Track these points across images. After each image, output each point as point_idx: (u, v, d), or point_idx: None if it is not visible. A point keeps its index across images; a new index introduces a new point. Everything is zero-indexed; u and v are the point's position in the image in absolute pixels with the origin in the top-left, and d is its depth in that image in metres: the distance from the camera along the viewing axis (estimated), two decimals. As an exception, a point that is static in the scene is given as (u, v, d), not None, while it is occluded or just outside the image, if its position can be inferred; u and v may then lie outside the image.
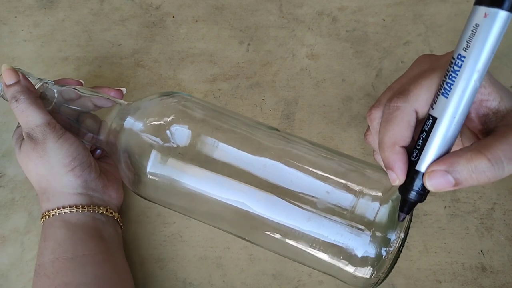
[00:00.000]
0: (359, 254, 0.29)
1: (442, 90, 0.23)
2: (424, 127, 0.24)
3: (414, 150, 0.25)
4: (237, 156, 0.32)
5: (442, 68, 0.24)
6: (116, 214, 0.38)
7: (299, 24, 0.50)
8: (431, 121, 0.24)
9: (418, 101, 0.24)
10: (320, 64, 0.48)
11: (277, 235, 0.32)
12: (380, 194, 0.30)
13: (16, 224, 0.42)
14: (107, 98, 0.37)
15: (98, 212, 0.36)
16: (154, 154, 0.33)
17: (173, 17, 0.51)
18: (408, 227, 0.29)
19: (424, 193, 0.25)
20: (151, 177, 0.33)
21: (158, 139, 0.33)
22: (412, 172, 0.25)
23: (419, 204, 0.30)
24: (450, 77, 0.23)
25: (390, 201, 0.29)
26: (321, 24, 0.50)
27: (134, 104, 0.36)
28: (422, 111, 0.24)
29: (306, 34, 0.50)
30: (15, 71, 0.36)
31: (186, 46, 0.50)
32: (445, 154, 0.24)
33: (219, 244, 0.40)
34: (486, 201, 0.41)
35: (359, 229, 0.29)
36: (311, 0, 0.52)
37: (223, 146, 0.33)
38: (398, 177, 0.25)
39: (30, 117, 0.34)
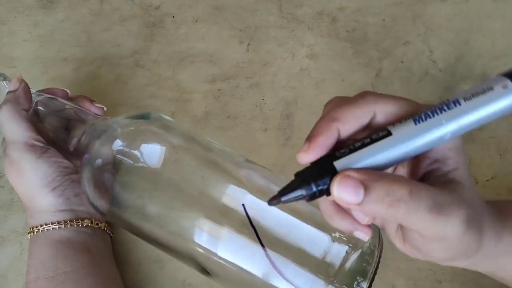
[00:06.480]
0: None
1: (417, 116, 0.21)
2: (373, 135, 0.21)
3: (346, 148, 0.21)
4: (204, 184, 0.31)
5: (421, 107, 0.22)
6: (103, 224, 0.37)
7: (299, 24, 0.50)
8: (384, 133, 0.21)
9: (384, 106, 0.22)
10: (320, 64, 0.48)
11: (235, 280, 0.30)
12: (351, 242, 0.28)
13: (15, 225, 0.41)
14: (86, 112, 0.37)
15: (83, 225, 0.35)
16: (121, 174, 0.32)
17: (173, 17, 0.51)
18: (373, 278, 0.27)
19: (320, 194, 0.21)
20: (115, 198, 0.32)
21: (128, 159, 0.32)
22: (326, 163, 0.21)
23: None
24: (432, 111, 0.21)
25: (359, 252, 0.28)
26: (321, 24, 0.50)
27: (109, 121, 0.35)
28: (380, 119, 0.22)
29: (306, 34, 0.50)
30: (20, 81, 0.35)
31: (186, 46, 0.49)
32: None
33: (218, 245, 0.40)
34: (486, 200, 0.41)
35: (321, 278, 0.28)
36: (311, 0, 0.52)
37: (193, 170, 0.32)
38: (307, 152, 0.21)
39: (8, 131, 0.33)
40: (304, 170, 0.21)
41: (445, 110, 0.21)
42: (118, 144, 0.33)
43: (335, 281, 0.27)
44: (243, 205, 0.29)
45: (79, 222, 0.35)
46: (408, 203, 0.20)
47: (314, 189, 0.21)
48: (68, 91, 0.39)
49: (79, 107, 0.37)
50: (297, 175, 0.21)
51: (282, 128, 0.45)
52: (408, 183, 0.20)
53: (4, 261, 0.40)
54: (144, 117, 0.34)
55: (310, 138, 0.21)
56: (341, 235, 0.29)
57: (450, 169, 0.22)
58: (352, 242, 0.28)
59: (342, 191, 0.20)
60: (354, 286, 0.27)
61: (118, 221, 0.34)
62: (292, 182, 0.21)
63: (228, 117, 0.46)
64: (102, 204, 0.33)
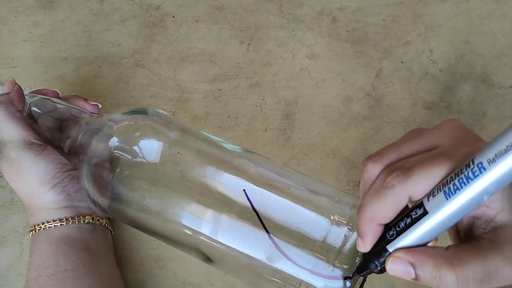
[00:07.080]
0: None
1: (446, 189, 0.21)
2: (412, 213, 0.23)
3: (393, 228, 0.23)
4: (206, 176, 0.31)
5: (460, 160, 0.22)
6: (104, 220, 0.37)
7: (299, 24, 0.50)
8: (421, 211, 0.22)
9: (417, 187, 0.22)
10: (320, 64, 0.48)
11: (238, 266, 0.31)
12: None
13: (15, 225, 0.41)
14: (81, 111, 0.37)
15: (84, 222, 0.35)
16: (120, 170, 0.32)
17: (173, 17, 0.51)
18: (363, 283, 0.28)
19: (383, 269, 0.24)
20: (115, 195, 0.32)
21: (126, 155, 0.32)
22: (381, 247, 0.24)
23: None
24: (460, 181, 0.20)
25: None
26: (321, 24, 0.50)
27: (104, 118, 0.35)
28: (417, 197, 0.23)
29: (306, 34, 0.50)
30: (13, 84, 0.35)
31: (186, 46, 0.50)
32: (419, 246, 0.23)
33: (219, 244, 0.40)
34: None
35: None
36: (311, 0, 0.52)
37: (191, 162, 0.32)
38: (364, 247, 0.24)
39: (4, 131, 0.33)
40: (365, 255, 0.25)
41: (471, 179, 0.20)
42: (115, 140, 0.33)
43: (336, 262, 0.28)
44: (244, 190, 0.29)
45: (80, 219, 0.35)
46: (456, 286, 0.21)
47: (374, 267, 0.24)
48: (58, 91, 0.39)
49: (73, 106, 0.37)
50: (363, 255, 0.25)
51: (282, 128, 0.45)
52: (452, 264, 0.21)
53: (4, 261, 0.40)
54: (140, 112, 0.34)
55: (360, 237, 0.24)
56: (340, 217, 0.29)
57: (495, 213, 0.22)
58: (351, 223, 0.29)
59: (395, 270, 0.23)
60: (355, 264, 0.27)
61: (119, 216, 0.34)
62: (361, 263, 0.25)
63: (229, 117, 0.46)
64: (102, 200, 0.33)
